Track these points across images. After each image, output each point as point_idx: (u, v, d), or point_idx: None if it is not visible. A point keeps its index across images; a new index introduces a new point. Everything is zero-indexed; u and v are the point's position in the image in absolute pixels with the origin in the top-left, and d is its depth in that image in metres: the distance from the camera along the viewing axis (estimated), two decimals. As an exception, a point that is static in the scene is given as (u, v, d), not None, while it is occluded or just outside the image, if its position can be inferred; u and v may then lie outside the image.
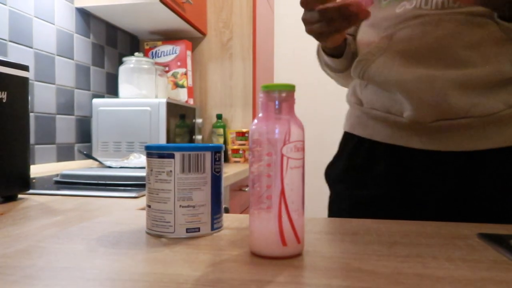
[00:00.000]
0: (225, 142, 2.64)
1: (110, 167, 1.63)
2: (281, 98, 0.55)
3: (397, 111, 0.89)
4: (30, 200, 0.98)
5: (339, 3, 0.77)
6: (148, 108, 2.01)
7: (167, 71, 2.50)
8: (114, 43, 2.41)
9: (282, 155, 0.53)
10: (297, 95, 3.37)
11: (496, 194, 0.84)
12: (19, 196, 1.03)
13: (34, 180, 1.37)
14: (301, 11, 0.88)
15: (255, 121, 0.56)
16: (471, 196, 0.85)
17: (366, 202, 0.94)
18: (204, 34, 2.69)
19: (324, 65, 1.10)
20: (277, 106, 0.55)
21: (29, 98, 0.97)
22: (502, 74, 0.80)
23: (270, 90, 0.55)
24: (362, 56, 0.93)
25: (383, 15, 0.91)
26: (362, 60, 0.93)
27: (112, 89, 2.37)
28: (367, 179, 0.95)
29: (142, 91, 2.18)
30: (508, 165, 0.84)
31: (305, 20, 0.85)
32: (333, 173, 1.06)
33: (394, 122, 0.90)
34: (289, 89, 0.55)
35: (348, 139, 1.02)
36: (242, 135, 2.59)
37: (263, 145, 0.54)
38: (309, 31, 0.86)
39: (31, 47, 1.74)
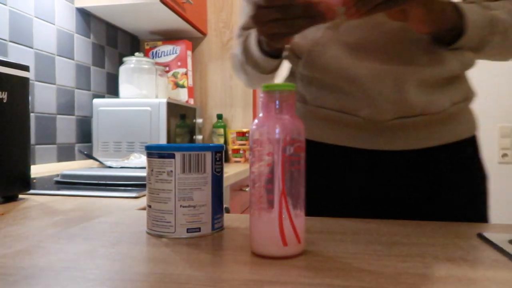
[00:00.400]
0: (225, 142, 2.64)
1: (110, 167, 1.64)
2: (282, 98, 0.54)
3: (352, 110, 0.85)
4: (31, 200, 0.98)
5: (306, 0, 0.68)
6: (149, 108, 2.01)
7: (167, 71, 2.50)
8: (115, 43, 2.41)
9: (283, 155, 0.53)
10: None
11: (448, 189, 0.86)
12: (20, 196, 1.03)
13: (34, 180, 1.37)
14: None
15: (256, 121, 0.56)
16: (428, 193, 0.86)
17: (319, 208, 0.89)
18: (204, 34, 2.69)
19: (249, 63, 0.95)
20: (277, 106, 0.54)
21: (30, 98, 0.97)
22: (452, 72, 0.83)
23: (271, 90, 0.55)
24: (313, 46, 0.86)
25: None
26: (314, 51, 0.86)
27: (112, 89, 2.37)
28: (321, 186, 0.91)
29: (142, 91, 2.18)
30: (458, 159, 0.86)
31: (256, 17, 0.72)
32: None
33: (347, 122, 0.86)
34: (290, 89, 0.55)
35: None
36: (242, 135, 2.59)
37: (263, 145, 0.54)
38: (262, 31, 0.74)
39: (32, 47, 1.74)
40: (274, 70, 0.95)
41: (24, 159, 0.98)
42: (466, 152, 0.89)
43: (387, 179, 0.86)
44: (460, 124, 0.88)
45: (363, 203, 0.87)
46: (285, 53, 0.94)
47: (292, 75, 0.96)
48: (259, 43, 0.88)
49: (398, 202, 0.86)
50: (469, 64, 0.86)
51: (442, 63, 0.82)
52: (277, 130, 0.53)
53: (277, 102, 0.54)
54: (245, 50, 0.94)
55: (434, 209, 0.85)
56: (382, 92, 0.81)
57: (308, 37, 0.87)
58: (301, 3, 0.68)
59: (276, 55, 0.90)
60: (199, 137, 2.46)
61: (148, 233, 0.64)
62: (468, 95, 0.91)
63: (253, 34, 0.90)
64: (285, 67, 0.99)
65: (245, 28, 1.00)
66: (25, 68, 0.98)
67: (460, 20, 0.76)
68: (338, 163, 0.89)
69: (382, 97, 0.81)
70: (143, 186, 1.21)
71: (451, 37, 0.78)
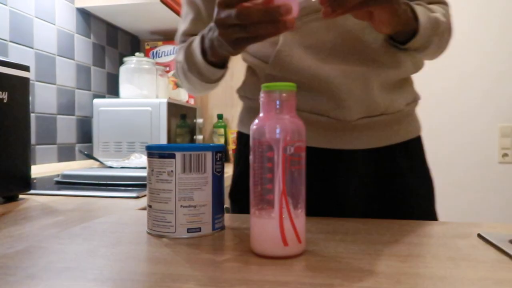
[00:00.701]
0: (226, 142, 2.64)
1: (111, 167, 1.64)
2: (282, 98, 0.54)
3: (322, 110, 0.85)
4: (31, 200, 0.98)
5: (266, 5, 0.65)
6: (149, 108, 2.01)
7: (167, 71, 2.50)
8: (115, 43, 2.41)
9: (283, 155, 0.53)
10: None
11: (405, 187, 0.89)
12: (20, 196, 1.03)
13: (35, 181, 1.37)
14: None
15: (256, 121, 0.55)
16: (384, 190, 0.88)
17: None
18: (204, 34, 2.68)
19: (193, 72, 0.92)
20: (278, 106, 0.54)
21: (30, 98, 0.97)
22: (407, 73, 0.88)
23: (271, 90, 0.55)
24: (281, 47, 0.85)
25: None
26: (282, 51, 0.85)
27: (113, 89, 2.37)
28: None
29: (143, 91, 2.18)
30: (411, 156, 0.91)
31: (219, 21, 0.70)
32: (239, 189, 1.00)
33: (316, 122, 0.86)
34: (290, 89, 0.55)
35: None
36: (243, 135, 2.59)
37: (264, 145, 0.54)
38: (223, 35, 0.71)
39: (32, 48, 1.74)
40: (218, 79, 0.94)
41: (25, 159, 0.98)
42: (417, 150, 0.95)
43: (350, 178, 0.88)
44: (411, 124, 0.94)
45: (328, 202, 0.88)
46: (245, 57, 0.94)
47: (254, 76, 0.95)
48: (203, 52, 0.86)
49: (360, 200, 0.88)
50: (420, 66, 0.91)
51: (399, 64, 0.86)
52: (277, 130, 0.53)
53: (277, 102, 0.54)
54: (188, 57, 0.91)
55: (388, 206, 0.88)
56: (352, 93, 0.83)
57: (268, 39, 0.85)
58: (260, 8, 0.65)
59: (221, 65, 0.88)
60: (199, 137, 2.46)
61: (148, 233, 0.64)
62: (416, 97, 0.96)
63: (196, 41, 0.88)
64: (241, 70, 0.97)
65: (187, 34, 0.99)
66: (26, 68, 0.98)
67: (414, 21, 0.79)
68: (316, 166, 0.88)
69: (351, 98, 0.83)
70: (144, 186, 1.21)
71: (404, 37, 0.81)
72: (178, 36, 1.01)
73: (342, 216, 0.83)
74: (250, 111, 0.97)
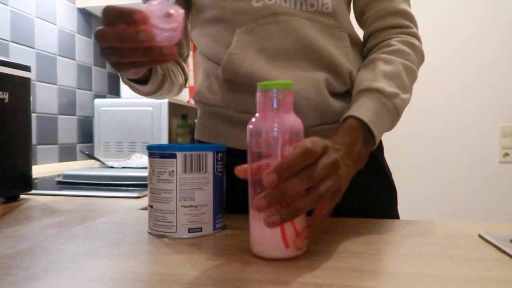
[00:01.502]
0: (226, 142, 2.63)
1: (112, 167, 1.64)
2: (279, 96, 0.53)
3: None
4: (32, 200, 0.98)
5: (143, 45, 0.62)
6: (150, 108, 2.01)
7: (168, 71, 2.50)
8: (116, 43, 2.41)
9: (282, 156, 0.52)
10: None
11: (362, 191, 0.89)
12: (21, 196, 1.03)
13: (36, 181, 1.37)
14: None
15: (253, 120, 0.55)
16: (353, 196, 0.85)
17: None
18: (205, 34, 2.69)
19: (129, 87, 0.90)
20: (275, 105, 0.53)
21: (31, 98, 0.97)
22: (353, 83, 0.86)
23: (267, 88, 0.54)
24: (233, 50, 0.82)
25: (237, 8, 0.83)
26: (234, 55, 0.82)
27: (113, 89, 2.37)
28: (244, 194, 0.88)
29: (143, 91, 2.17)
30: (371, 162, 0.86)
31: (99, 38, 0.63)
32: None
33: None
34: (287, 87, 0.54)
35: None
36: (243, 135, 2.59)
37: (261, 145, 0.53)
38: (103, 54, 0.65)
39: (33, 48, 1.74)
40: (153, 93, 0.92)
41: (26, 159, 0.98)
42: (375, 154, 0.92)
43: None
44: None
45: None
46: (154, 81, 0.90)
47: (208, 79, 0.93)
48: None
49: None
50: None
51: (345, 80, 0.85)
52: (275, 130, 0.52)
53: (274, 100, 0.53)
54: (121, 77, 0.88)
55: (344, 207, 0.85)
56: (305, 98, 0.81)
57: (221, 41, 0.85)
58: (117, 32, 0.62)
59: (140, 81, 0.85)
60: (200, 137, 2.46)
61: (149, 233, 0.64)
62: None
63: None
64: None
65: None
66: (27, 68, 0.98)
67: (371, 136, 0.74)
68: None
69: (305, 103, 0.81)
70: (145, 186, 1.21)
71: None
72: None
73: None
74: (205, 117, 0.95)
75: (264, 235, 0.53)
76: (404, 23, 0.87)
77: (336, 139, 0.67)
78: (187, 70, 1.07)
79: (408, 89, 0.81)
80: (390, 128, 0.79)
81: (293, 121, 0.54)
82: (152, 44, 0.63)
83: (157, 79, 0.90)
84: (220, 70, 0.84)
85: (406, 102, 0.80)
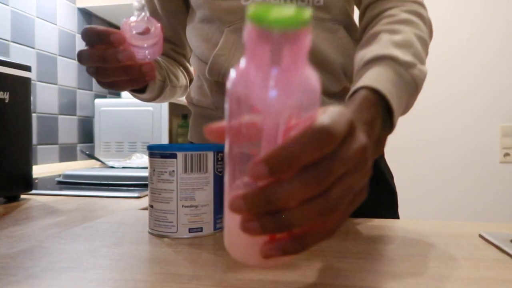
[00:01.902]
0: (227, 142, 2.63)
1: (112, 167, 1.64)
2: (285, 38, 0.32)
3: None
4: (33, 200, 0.98)
5: (122, 64, 0.64)
6: (150, 108, 2.01)
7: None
8: (116, 43, 2.41)
9: (286, 131, 0.36)
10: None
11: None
12: (22, 196, 1.03)
13: (36, 181, 1.37)
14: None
15: (234, 72, 0.37)
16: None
17: None
18: (206, 34, 2.68)
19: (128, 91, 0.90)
20: (276, 52, 0.33)
21: (31, 98, 0.97)
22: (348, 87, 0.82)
23: (266, 25, 0.32)
24: (219, 50, 0.81)
25: (226, 7, 0.81)
26: (222, 55, 0.81)
27: (114, 89, 2.37)
28: None
29: (144, 91, 2.17)
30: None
31: (80, 59, 0.66)
32: None
33: None
34: (301, 24, 0.32)
35: None
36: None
37: (251, 116, 0.37)
38: (88, 72, 0.68)
39: (33, 48, 1.74)
40: (156, 96, 0.93)
41: (26, 159, 0.98)
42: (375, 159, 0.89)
43: None
44: None
45: None
46: (152, 88, 0.91)
47: (199, 80, 0.93)
48: None
49: None
50: None
51: (340, 81, 0.83)
52: (273, 95, 0.34)
53: (275, 45, 0.33)
54: None
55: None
56: None
57: (211, 41, 0.84)
58: (97, 53, 0.64)
59: (141, 89, 0.86)
60: (200, 137, 2.46)
61: (150, 233, 0.64)
62: None
63: None
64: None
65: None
66: (27, 68, 0.98)
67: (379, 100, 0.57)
68: None
69: None
70: (145, 186, 1.21)
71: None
72: None
73: None
74: (197, 119, 0.95)
75: (236, 230, 0.38)
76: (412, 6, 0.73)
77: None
78: (192, 70, 1.06)
79: (424, 61, 0.66)
80: (407, 108, 0.64)
81: (306, 80, 0.35)
82: (131, 63, 0.64)
83: (155, 86, 0.89)
84: (206, 71, 0.84)
85: (424, 75, 0.64)
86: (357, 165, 0.38)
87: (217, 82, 0.85)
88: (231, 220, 0.40)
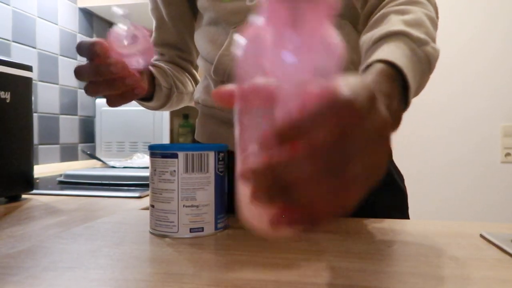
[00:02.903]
0: (228, 141, 2.63)
1: (113, 167, 1.64)
2: None
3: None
4: (34, 200, 0.98)
5: (117, 76, 0.65)
6: (151, 108, 2.01)
7: (170, 71, 2.50)
8: (117, 43, 2.41)
9: (299, 102, 0.33)
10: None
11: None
12: (23, 196, 1.03)
13: (37, 180, 1.37)
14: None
15: (248, 32, 0.34)
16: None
17: None
18: (207, 34, 2.68)
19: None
20: (297, 12, 0.30)
21: (33, 98, 0.97)
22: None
23: None
24: (223, 51, 0.82)
25: (231, 9, 0.82)
26: (226, 55, 0.81)
27: (115, 89, 2.37)
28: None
29: (145, 91, 2.17)
30: None
31: (76, 76, 0.67)
32: None
33: None
34: None
35: None
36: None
37: (264, 80, 0.34)
38: (86, 92, 0.68)
39: (35, 47, 1.74)
40: (163, 104, 0.93)
41: (27, 159, 0.98)
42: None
43: None
44: None
45: None
46: (159, 96, 0.92)
47: (205, 80, 0.93)
48: None
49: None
50: None
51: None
52: (292, 59, 0.31)
53: (297, 2, 0.30)
54: None
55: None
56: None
57: (217, 42, 0.84)
58: (105, 79, 0.65)
59: (148, 97, 0.87)
60: (202, 137, 2.46)
61: (151, 233, 0.64)
62: None
63: None
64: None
65: (154, 44, 0.98)
66: (28, 68, 0.98)
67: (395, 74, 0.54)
68: None
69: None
70: (146, 186, 1.21)
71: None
72: None
73: None
74: (204, 118, 0.95)
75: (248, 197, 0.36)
76: None
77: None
78: (198, 77, 1.06)
79: (435, 40, 0.63)
80: (419, 88, 0.61)
81: (328, 44, 0.32)
82: (114, 76, 0.65)
83: (162, 93, 0.90)
84: (211, 71, 0.84)
85: (438, 54, 0.62)
86: (377, 141, 0.35)
87: (223, 82, 0.85)
88: (242, 185, 0.39)
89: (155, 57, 0.98)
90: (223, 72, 0.82)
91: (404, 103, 0.54)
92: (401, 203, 0.93)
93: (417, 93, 0.60)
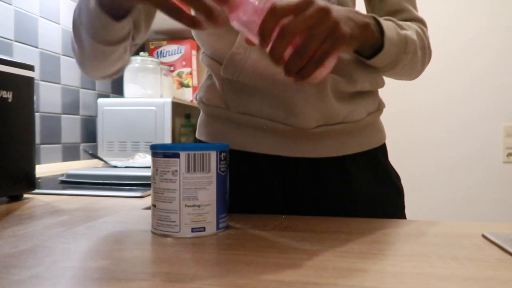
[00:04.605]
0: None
1: (115, 166, 1.64)
2: None
3: (278, 117, 0.82)
4: (36, 200, 0.98)
5: None
6: (153, 108, 2.01)
7: (172, 71, 2.51)
8: (119, 43, 2.41)
9: None
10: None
11: (365, 195, 0.88)
12: (25, 195, 1.03)
13: (39, 180, 1.37)
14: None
15: None
16: (346, 199, 0.87)
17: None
18: (208, 34, 2.68)
19: (83, 26, 0.74)
20: None
21: (35, 98, 0.97)
22: (363, 89, 0.86)
23: None
24: (236, 49, 0.80)
25: None
26: (238, 53, 0.80)
27: (117, 89, 2.38)
28: (246, 194, 0.87)
29: (147, 91, 2.18)
30: (373, 165, 0.91)
31: None
32: None
33: (273, 129, 0.84)
34: None
35: None
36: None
37: None
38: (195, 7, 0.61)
39: (37, 47, 1.75)
40: (119, 41, 0.76)
41: (29, 159, 0.98)
42: (380, 159, 0.93)
43: (309, 186, 0.86)
44: (374, 133, 0.92)
45: (287, 209, 0.87)
46: (201, 57, 0.90)
47: (210, 79, 0.92)
48: None
49: (320, 208, 0.86)
50: (378, 85, 0.90)
51: (355, 82, 0.84)
52: None
53: None
54: (81, 6, 0.73)
55: (351, 213, 0.86)
56: (307, 100, 0.80)
57: (225, 40, 0.82)
58: None
59: (118, 14, 0.70)
60: (203, 137, 2.46)
61: (153, 232, 0.64)
62: (380, 106, 0.93)
63: None
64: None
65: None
66: (30, 67, 0.98)
67: (380, 37, 0.77)
68: (262, 171, 0.87)
69: (306, 105, 0.80)
70: (148, 185, 1.22)
71: (370, 51, 0.80)
72: None
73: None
74: (207, 117, 0.94)
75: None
76: (421, 26, 0.90)
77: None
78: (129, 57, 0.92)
79: (416, 43, 0.83)
80: (394, 61, 0.81)
81: None
82: None
83: (129, 24, 0.75)
84: (221, 69, 0.83)
85: (415, 45, 0.82)
86: (322, 15, 0.59)
87: (230, 81, 0.84)
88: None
89: None
90: (234, 71, 0.82)
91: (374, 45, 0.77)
92: (395, 199, 0.94)
93: (391, 66, 0.82)
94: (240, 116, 0.85)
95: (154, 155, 0.64)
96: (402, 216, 0.94)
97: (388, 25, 0.78)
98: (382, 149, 0.94)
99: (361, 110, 0.86)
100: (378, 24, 0.77)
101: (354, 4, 0.89)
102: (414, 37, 0.83)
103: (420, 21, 0.92)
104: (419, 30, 0.86)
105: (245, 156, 0.87)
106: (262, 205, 0.86)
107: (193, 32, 0.92)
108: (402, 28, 0.82)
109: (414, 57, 0.83)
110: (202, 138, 0.93)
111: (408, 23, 0.86)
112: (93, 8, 0.68)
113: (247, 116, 0.85)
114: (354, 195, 0.87)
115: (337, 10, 0.67)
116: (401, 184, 0.96)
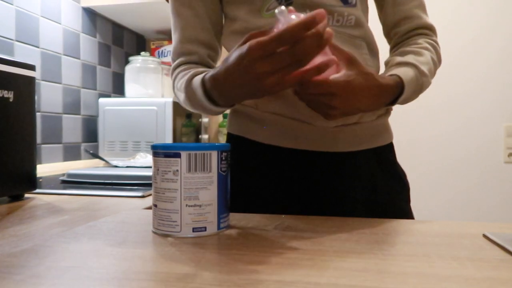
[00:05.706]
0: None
1: (116, 166, 1.64)
2: None
3: (301, 117, 0.90)
4: (37, 199, 0.98)
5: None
6: (155, 108, 2.01)
7: (173, 71, 2.50)
8: (121, 42, 2.42)
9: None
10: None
11: (375, 190, 0.96)
12: (26, 195, 1.03)
13: (40, 180, 1.37)
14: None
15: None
16: (360, 185, 0.94)
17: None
18: (210, 34, 2.68)
19: (195, 107, 0.91)
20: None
21: (36, 97, 0.97)
22: None
23: None
24: None
25: (265, 24, 0.88)
26: None
27: (118, 89, 2.38)
28: (268, 185, 0.94)
29: (148, 91, 2.18)
30: (382, 161, 0.99)
31: (252, 71, 0.67)
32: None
33: (299, 128, 0.91)
34: None
35: (239, 143, 0.98)
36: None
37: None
38: (263, 85, 0.67)
39: (38, 47, 1.75)
40: (214, 113, 0.92)
41: (30, 159, 0.98)
42: (387, 156, 1.01)
43: (328, 177, 0.93)
44: (383, 133, 1.00)
45: (306, 200, 0.93)
46: None
47: None
48: (207, 93, 0.82)
49: (337, 200, 0.93)
50: None
51: None
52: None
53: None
54: (189, 93, 0.87)
55: (362, 207, 0.93)
56: None
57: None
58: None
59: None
60: (205, 137, 2.46)
61: (154, 232, 0.64)
62: (388, 109, 1.02)
63: (196, 84, 0.84)
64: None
65: (187, 40, 0.97)
66: (31, 67, 0.98)
67: (400, 86, 0.85)
68: (284, 162, 0.94)
69: None
70: (149, 185, 1.22)
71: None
72: (175, 50, 0.98)
73: (322, 214, 0.89)
74: (237, 113, 0.99)
75: None
76: (431, 34, 0.98)
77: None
78: None
79: (431, 77, 0.92)
80: (407, 100, 0.89)
81: None
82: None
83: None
84: None
85: (428, 86, 0.92)
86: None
87: None
88: None
89: (182, 59, 0.97)
90: None
91: (392, 101, 0.87)
92: (402, 191, 1.00)
93: (404, 102, 0.89)
94: (268, 116, 0.93)
95: (155, 155, 0.64)
96: (408, 209, 0.99)
97: (406, 73, 0.86)
98: (390, 147, 1.02)
99: (371, 113, 0.95)
100: (399, 78, 0.85)
101: (367, 13, 0.96)
102: (432, 69, 0.91)
103: (429, 29, 0.98)
104: (432, 51, 0.94)
105: (270, 149, 0.94)
106: (278, 193, 0.94)
107: (222, 37, 1.00)
108: (423, 74, 0.88)
109: (429, 83, 0.92)
110: (231, 130, 1.01)
111: (424, 51, 0.92)
112: (207, 104, 0.83)
113: (274, 115, 0.92)
114: (362, 185, 0.94)
115: (363, 88, 0.78)
116: (407, 180, 1.02)
